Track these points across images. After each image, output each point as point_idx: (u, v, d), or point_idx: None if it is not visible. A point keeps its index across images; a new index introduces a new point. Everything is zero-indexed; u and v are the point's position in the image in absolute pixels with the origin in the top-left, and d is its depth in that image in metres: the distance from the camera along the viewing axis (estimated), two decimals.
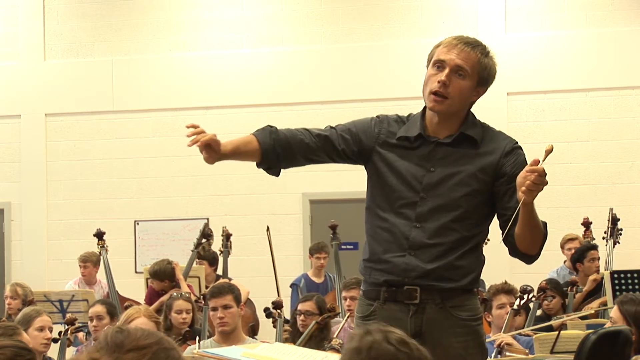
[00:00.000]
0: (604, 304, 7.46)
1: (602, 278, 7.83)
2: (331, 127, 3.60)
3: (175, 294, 7.29)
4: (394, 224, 3.47)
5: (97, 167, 11.56)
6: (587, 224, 8.95)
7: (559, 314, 7.62)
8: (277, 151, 3.53)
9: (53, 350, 6.51)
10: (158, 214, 11.41)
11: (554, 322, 6.59)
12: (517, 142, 3.53)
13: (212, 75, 11.39)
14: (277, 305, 7.14)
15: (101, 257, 9.37)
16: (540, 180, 3.17)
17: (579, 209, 10.00)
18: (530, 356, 5.57)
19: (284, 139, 3.54)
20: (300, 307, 7.17)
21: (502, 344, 5.86)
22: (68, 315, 7.07)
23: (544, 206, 10.45)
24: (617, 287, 7.36)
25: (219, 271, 9.15)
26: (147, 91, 11.49)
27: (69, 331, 6.65)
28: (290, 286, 9.42)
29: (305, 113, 10.58)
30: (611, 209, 8.86)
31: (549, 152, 3.18)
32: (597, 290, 8.08)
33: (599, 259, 8.43)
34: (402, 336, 2.51)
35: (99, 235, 9.34)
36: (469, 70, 3.45)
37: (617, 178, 10.58)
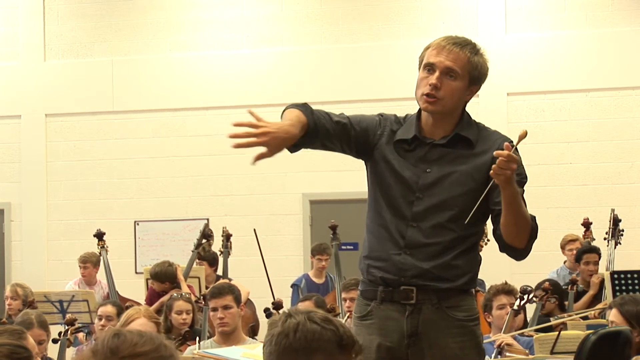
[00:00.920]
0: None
1: (603, 280, 7.84)
2: (346, 116, 3.57)
3: (175, 294, 7.29)
4: (390, 221, 3.49)
5: (97, 168, 11.56)
6: (587, 225, 8.95)
7: (555, 313, 7.61)
8: (312, 133, 3.43)
9: (53, 351, 6.52)
10: (158, 215, 11.41)
11: (554, 322, 6.59)
12: (511, 141, 3.54)
13: (212, 75, 11.39)
14: (277, 305, 7.15)
15: (101, 257, 9.37)
16: (505, 165, 3.22)
17: (578, 210, 9.99)
18: (530, 357, 5.57)
19: (318, 121, 3.45)
20: (300, 307, 7.17)
21: (502, 344, 5.86)
22: (68, 316, 7.07)
23: (544, 206, 10.52)
24: (617, 288, 7.37)
25: (219, 271, 9.15)
26: (147, 91, 11.49)
27: (69, 332, 6.65)
28: (291, 286, 9.42)
29: None
30: (612, 210, 8.86)
31: (522, 137, 3.29)
32: (598, 291, 8.08)
33: (595, 262, 8.41)
34: (325, 315, 2.57)
35: (99, 235, 9.34)
36: (459, 71, 3.45)
37: (617, 178, 10.58)
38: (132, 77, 11.55)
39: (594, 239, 8.89)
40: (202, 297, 7.35)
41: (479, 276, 8.52)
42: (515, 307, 6.41)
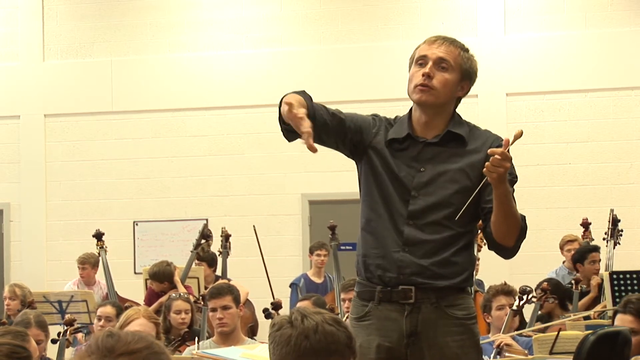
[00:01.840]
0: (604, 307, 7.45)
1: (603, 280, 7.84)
2: (341, 112, 3.57)
3: (173, 294, 7.29)
4: (387, 220, 3.50)
5: (96, 168, 11.56)
6: (586, 225, 8.95)
7: (555, 313, 7.61)
8: (311, 121, 3.38)
9: (52, 351, 6.51)
10: (157, 215, 11.41)
11: (554, 323, 6.59)
12: (501, 138, 3.56)
13: (211, 75, 11.39)
14: (277, 306, 7.14)
15: (100, 257, 9.37)
16: (499, 163, 3.23)
17: (578, 210, 10.00)
18: (529, 357, 5.57)
19: (317, 111, 3.43)
20: (299, 307, 7.16)
21: (501, 344, 5.86)
22: (67, 316, 7.07)
23: (544, 207, 10.54)
24: (616, 288, 7.36)
25: (218, 272, 9.15)
26: (147, 92, 11.49)
27: (68, 332, 6.65)
28: (290, 286, 9.42)
29: None
30: (612, 210, 8.86)
31: (517, 136, 3.29)
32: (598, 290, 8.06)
33: (599, 261, 8.42)
34: (334, 316, 2.60)
35: (98, 236, 9.34)
36: (451, 62, 3.49)
37: (616, 179, 10.58)
38: (132, 77, 11.55)
39: (593, 239, 8.89)
40: (201, 297, 7.34)
41: (478, 276, 8.54)
42: (514, 307, 6.41)
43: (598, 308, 7.72)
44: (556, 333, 5.59)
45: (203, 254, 8.83)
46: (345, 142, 3.53)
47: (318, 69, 11.05)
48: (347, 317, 7.07)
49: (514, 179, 3.51)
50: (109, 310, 6.88)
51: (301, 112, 3.20)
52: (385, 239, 3.49)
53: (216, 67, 11.40)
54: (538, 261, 10.05)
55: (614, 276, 7.43)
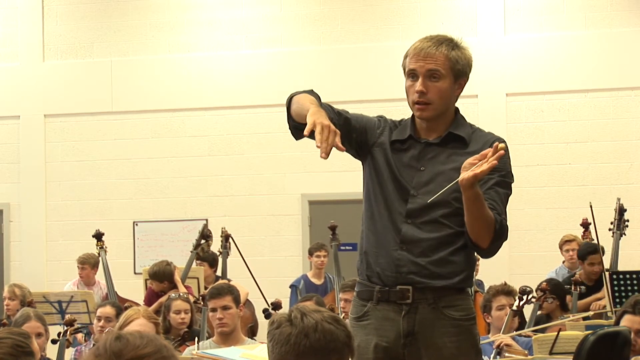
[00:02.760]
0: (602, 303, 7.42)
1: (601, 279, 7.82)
2: (347, 111, 3.58)
3: (173, 294, 7.29)
4: (387, 219, 3.51)
5: (96, 168, 11.56)
6: (586, 225, 8.92)
7: (555, 314, 7.60)
8: None
9: (52, 351, 6.51)
10: (157, 215, 11.41)
11: (554, 324, 6.59)
12: (503, 140, 3.56)
13: (211, 76, 11.39)
14: (276, 306, 7.14)
15: (100, 258, 9.36)
16: (469, 165, 3.24)
17: (578, 210, 9.98)
18: (529, 357, 5.57)
19: (325, 110, 3.43)
20: (299, 305, 7.15)
21: (501, 344, 5.86)
22: (67, 316, 7.07)
23: (544, 207, 10.54)
24: (616, 289, 7.35)
25: (218, 272, 9.14)
26: (146, 92, 11.49)
27: (68, 332, 6.64)
28: (290, 287, 9.42)
29: None
30: (618, 199, 8.76)
31: (501, 148, 3.27)
32: (599, 287, 8.01)
33: (599, 263, 8.29)
34: (334, 314, 2.59)
35: (98, 236, 9.34)
36: (441, 70, 3.47)
37: (616, 179, 10.58)
38: (131, 77, 11.55)
39: (593, 240, 8.87)
40: (201, 297, 7.34)
41: (478, 277, 8.53)
42: (514, 307, 6.41)
43: (600, 305, 7.70)
44: (556, 333, 5.59)
45: (203, 254, 8.83)
46: (351, 142, 3.54)
47: (318, 69, 11.05)
48: (344, 317, 7.08)
49: (507, 179, 3.50)
50: (108, 310, 6.89)
51: (333, 127, 3.21)
52: (385, 238, 3.50)
53: (216, 67, 11.39)
54: (538, 261, 10.06)
55: (614, 276, 7.42)
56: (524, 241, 10.55)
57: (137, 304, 7.71)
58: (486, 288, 7.50)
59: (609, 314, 7.02)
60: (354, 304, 3.59)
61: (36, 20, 11.71)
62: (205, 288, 8.12)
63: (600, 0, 10.71)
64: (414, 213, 3.47)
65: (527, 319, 7.20)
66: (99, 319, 6.83)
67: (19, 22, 11.78)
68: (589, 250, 8.39)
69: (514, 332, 6.26)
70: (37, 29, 11.71)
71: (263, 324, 8.18)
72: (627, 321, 4.61)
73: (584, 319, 6.89)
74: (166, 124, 11.45)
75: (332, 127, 3.22)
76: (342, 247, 9.56)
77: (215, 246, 9.26)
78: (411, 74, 3.52)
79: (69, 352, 6.98)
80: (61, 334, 6.61)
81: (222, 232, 9.28)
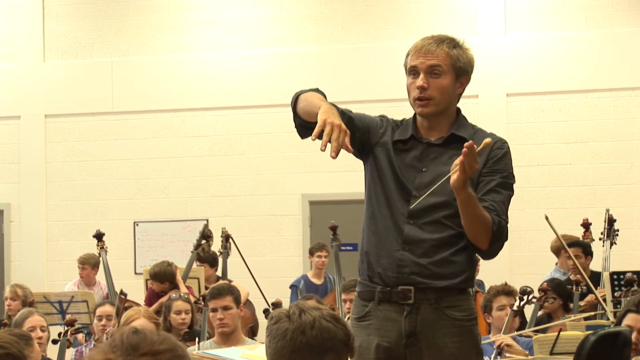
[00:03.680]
0: (602, 296, 7.40)
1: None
2: (350, 111, 3.59)
3: (174, 295, 7.30)
4: (389, 219, 3.51)
5: (96, 168, 11.56)
6: (586, 225, 8.92)
7: (558, 314, 7.60)
8: None
9: (53, 351, 6.52)
10: (157, 215, 11.42)
11: (554, 324, 6.59)
12: (505, 142, 3.56)
13: (211, 76, 11.39)
14: (277, 306, 7.13)
15: (100, 258, 9.37)
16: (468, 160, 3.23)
17: (578, 210, 9.99)
18: (529, 357, 5.57)
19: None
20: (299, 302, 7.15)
21: (501, 345, 5.86)
22: (67, 317, 7.06)
23: (544, 207, 10.53)
24: (616, 289, 7.36)
25: (219, 272, 9.15)
26: (147, 92, 11.50)
27: (69, 332, 6.65)
28: (290, 287, 9.42)
29: None
30: (607, 210, 8.81)
31: (487, 145, 3.32)
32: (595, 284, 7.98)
33: (577, 257, 8.10)
34: (333, 313, 2.59)
35: (99, 236, 9.34)
36: (442, 66, 3.49)
37: (616, 179, 10.58)
38: (132, 78, 11.55)
39: (594, 240, 8.87)
40: (201, 297, 7.34)
41: (479, 277, 8.53)
42: (515, 307, 6.41)
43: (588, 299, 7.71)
44: (557, 333, 5.59)
45: (203, 255, 8.83)
46: (354, 141, 3.53)
47: (318, 69, 11.05)
48: (347, 318, 7.09)
49: (508, 180, 3.51)
50: (108, 309, 6.90)
51: (344, 127, 3.22)
52: (387, 238, 3.50)
53: (216, 67, 11.40)
54: (538, 261, 10.05)
55: (614, 276, 7.43)
56: (525, 241, 10.55)
57: (138, 304, 7.71)
58: (487, 288, 7.49)
59: (609, 314, 7.03)
60: (355, 304, 3.60)
61: (37, 21, 11.71)
62: (206, 288, 8.12)
63: (600, 1, 10.71)
64: (415, 214, 3.47)
65: (528, 319, 7.20)
66: (100, 319, 6.84)
67: (20, 22, 11.79)
68: (567, 244, 8.26)
69: (515, 333, 6.26)
70: (38, 29, 11.71)
71: (263, 324, 8.18)
72: (630, 320, 4.60)
73: (585, 319, 6.89)
74: (167, 124, 11.45)
75: (343, 126, 3.23)
76: (343, 248, 9.56)
77: (216, 246, 9.27)
78: (412, 71, 3.53)
79: (70, 353, 6.98)
80: (62, 334, 6.61)
81: (223, 232, 9.28)
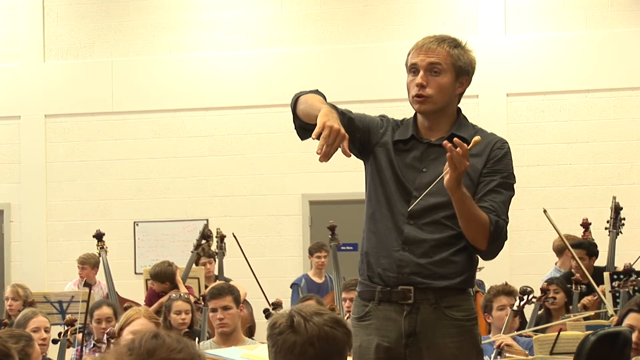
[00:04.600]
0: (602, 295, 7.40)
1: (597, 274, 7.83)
2: (350, 111, 3.59)
3: (174, 295, 7.29)
4: (389, 219, 3.51)
5: (96, 168, 11.56)
6: (586, 225, 8.91)
7: (562, 310, 7.58)
8: None
9: (53, 351, 6.51)
10: (157, 215, 11.42)
11: (556, 323, 6.58)
12: (506, 142, 3.55)
13: (211, 76, 11.39)
14: (277, 306, 7.14)
15: (101, 258, 9.37)
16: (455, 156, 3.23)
17: (578, 210, 9.99)
18: (530, 357, 5.57)
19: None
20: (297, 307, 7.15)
21: (501, 344, 5.86)
22: (68, 317, 7.06)
23: (544, 207, 10.50)
24: (616, 289, 7.36)
25: (215, 272, 9.17)
26: (147, 92, 11.50)
27: (69, 332, 6.64)
28: (291, 286, 9.43)
29: None
30: (614, 197, 8.75)
31: (476, 142, 3.31)
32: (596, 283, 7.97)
33: (581, 259, 8.10)
34: (334, 316, 2.60)
35: (99, 236, 9.34)
36: (442, 64, 3.49)
37: (616, 179, 10.58)
38: (132, 78, 11.55)
39: (593, 239, 8.87)
40: (201, 297, 7.34)
41: (479, 277, 8.53)
42: (515, 307, 6.42)
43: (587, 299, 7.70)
44: (557, 333, 5.59)
45: (203, 255, 8.85)
46: (355, 141, 3.53)
47: (318, 69, 11.05)
48: (347, 317, 7.08)
49: (509, 180, 3.50)
50: (106, 311, 6.88)
51: (342, 130, 3.22)
52: (387, 238, 3.50)
53: (216, 67, 11.40)
54: (538, 261, 10.05)
55: (614, 276, 7.43)
56: (525, 241, 10.55)
57: (138, 304, 7.71)
58: (487, 288, 7.49)
59: (608, 307, 7.03)
60: (355, 304, 3.60)
61: (37, 21, 11.71)
62: (206, 287, 8.13)
63: (600, 0, 10.71)
64: (416, 214, 3.47)
65: (528, 319, 7.21)
66: (99, 322, 6.82)
67: (20, 22, 11.79)
68: (572, 244, 8.27)
69: (515, 332, 6.26)
70: (38, 29, 11.71)
71: (263, 324, 8.18)
72: (632, 319, 4.60)
73: (585, 319, 6.89)
74: (167, 124, 11.45)
75: (342, 130, 3.23)
76: (343, 247, 9.56)
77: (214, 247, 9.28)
78: (412, 69, 3.53)
79: (70, 352, 6.97)
80: (62, 334, 6.61)
81: (217, 232, 9.28)
